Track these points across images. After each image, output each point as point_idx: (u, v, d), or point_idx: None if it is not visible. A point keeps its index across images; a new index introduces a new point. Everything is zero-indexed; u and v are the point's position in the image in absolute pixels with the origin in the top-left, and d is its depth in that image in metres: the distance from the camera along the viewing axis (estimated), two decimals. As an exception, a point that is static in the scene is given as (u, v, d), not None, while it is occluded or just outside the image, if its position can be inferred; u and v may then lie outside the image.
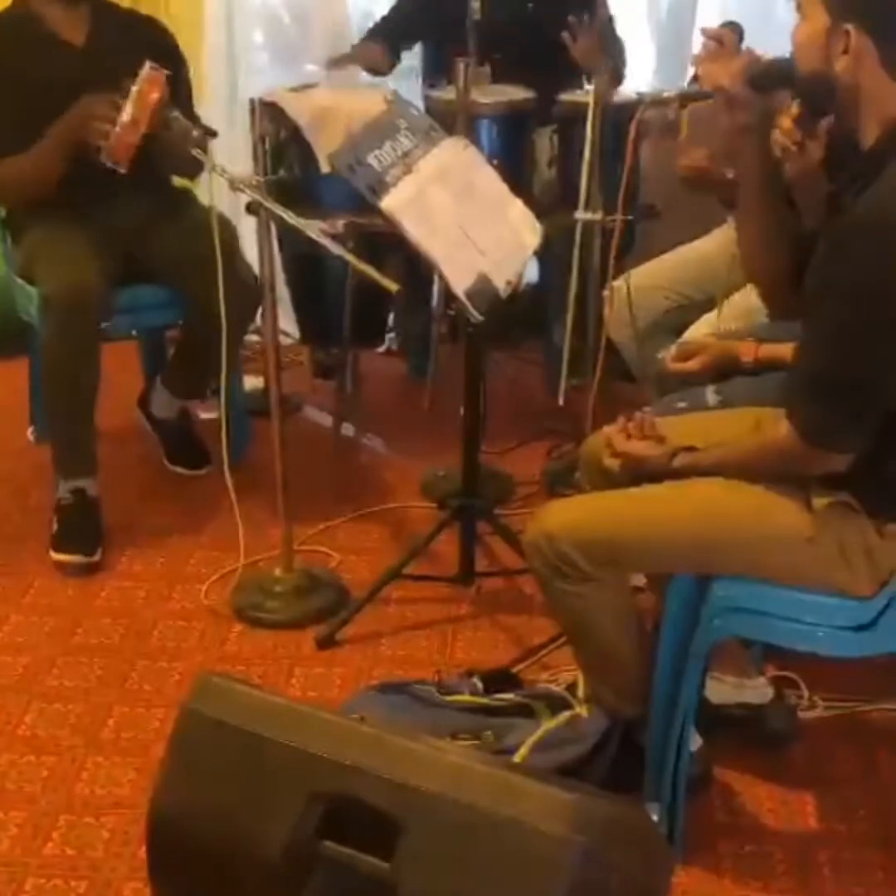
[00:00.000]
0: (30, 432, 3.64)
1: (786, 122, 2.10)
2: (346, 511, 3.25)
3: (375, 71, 3.86)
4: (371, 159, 2.38)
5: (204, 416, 3.66)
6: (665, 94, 2.89)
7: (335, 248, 2.30)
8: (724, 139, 2.16)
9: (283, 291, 3.52)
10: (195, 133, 2.66)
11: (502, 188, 2.60)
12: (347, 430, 3.71)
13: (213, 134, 2.92)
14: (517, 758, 2.20)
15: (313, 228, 2.43)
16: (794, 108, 2.10)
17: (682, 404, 2.41)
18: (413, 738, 1.82)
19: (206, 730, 1.85)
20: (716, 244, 3.05)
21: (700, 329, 2.77)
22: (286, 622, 2.78)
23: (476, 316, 2.29)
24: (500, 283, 2.40)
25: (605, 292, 3.07)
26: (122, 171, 2.78)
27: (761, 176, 2.01)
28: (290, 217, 2.40)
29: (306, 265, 3.50)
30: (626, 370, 3.38)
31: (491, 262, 2.41)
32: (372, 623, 2.77)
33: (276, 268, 3.45)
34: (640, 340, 2.97)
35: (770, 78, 1.98)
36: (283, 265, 3.61)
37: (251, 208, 3.23)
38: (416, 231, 2.28)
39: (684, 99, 2.79)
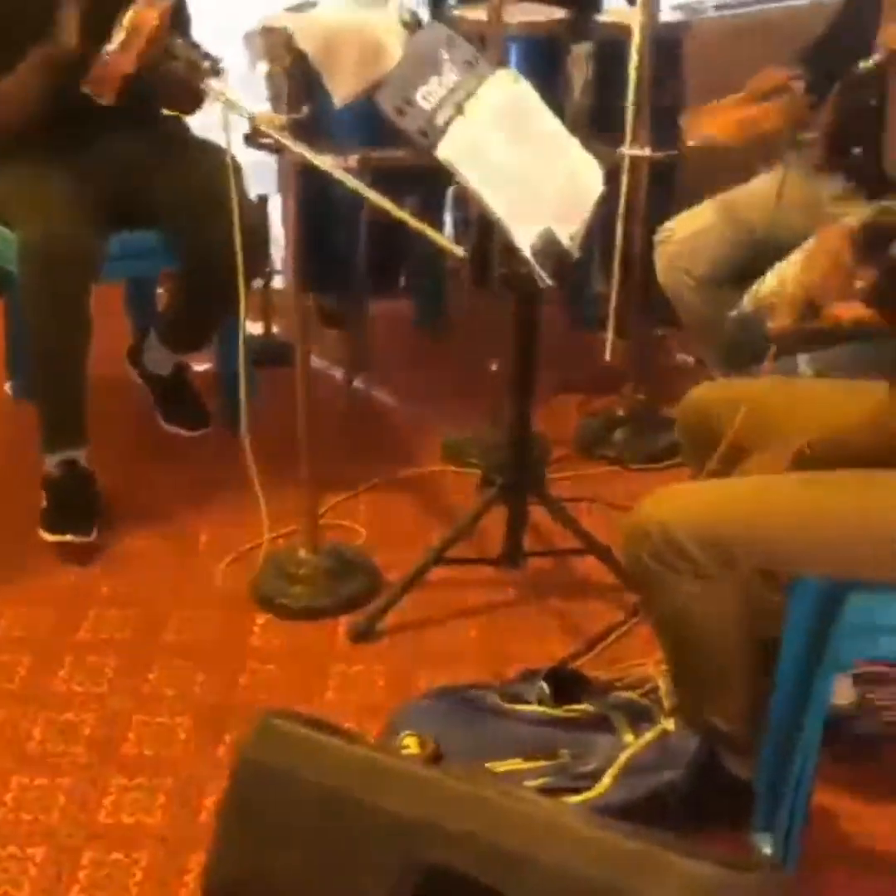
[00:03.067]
0: (8, 387, 3.33)
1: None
2: (367, 478, 2.97)
3: None
4: (419, 99, 2.07)
5: (198, 368, 3.36)
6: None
7: (388, 207, 1.99)
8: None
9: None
10: (205, 64, 2.32)
11: (558, 126, 2.30)
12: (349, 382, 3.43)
13: (218, 62, 2.58)
14: (607, 779, 1.97)
15: (346, 177, 2.11)
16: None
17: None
18: (515, 794, 1.59)
19: (271, 783, 1.60)
20: (772, 183, 2.76)
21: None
22: (316, 611, 2.52)
23: (545, 279, 2.00)
24: (566, 239, 2.11)
25: (657, 236, 2.79)
26: (105, 102, 2.45)
27: None
28: (326, 164, 2.09)
29: (312, 203, 3.17)
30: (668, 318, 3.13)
31: (554, 214, 2.12)
32: (410, 611, 2.51)
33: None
34: (700, 290, 2.70)
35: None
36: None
37: (253, 140, 2.95)
38: (477, 182, 1.98)
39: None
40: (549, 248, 2.03)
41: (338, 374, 3.42)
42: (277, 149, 3.03)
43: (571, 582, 2.60)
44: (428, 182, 3.07)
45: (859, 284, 1.82)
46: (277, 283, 3.46)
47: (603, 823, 1.55)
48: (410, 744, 2.06)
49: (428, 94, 2.10)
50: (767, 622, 1.87)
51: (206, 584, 2.62)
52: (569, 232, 2.11)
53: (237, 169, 2.77)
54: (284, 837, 1.56)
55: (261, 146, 2.97)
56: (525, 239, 2.00)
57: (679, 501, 1.81)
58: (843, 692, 2.10)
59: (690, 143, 2.83)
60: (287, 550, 2.61)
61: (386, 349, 3.57)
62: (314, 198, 3.20)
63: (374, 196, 1.99)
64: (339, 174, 2.03)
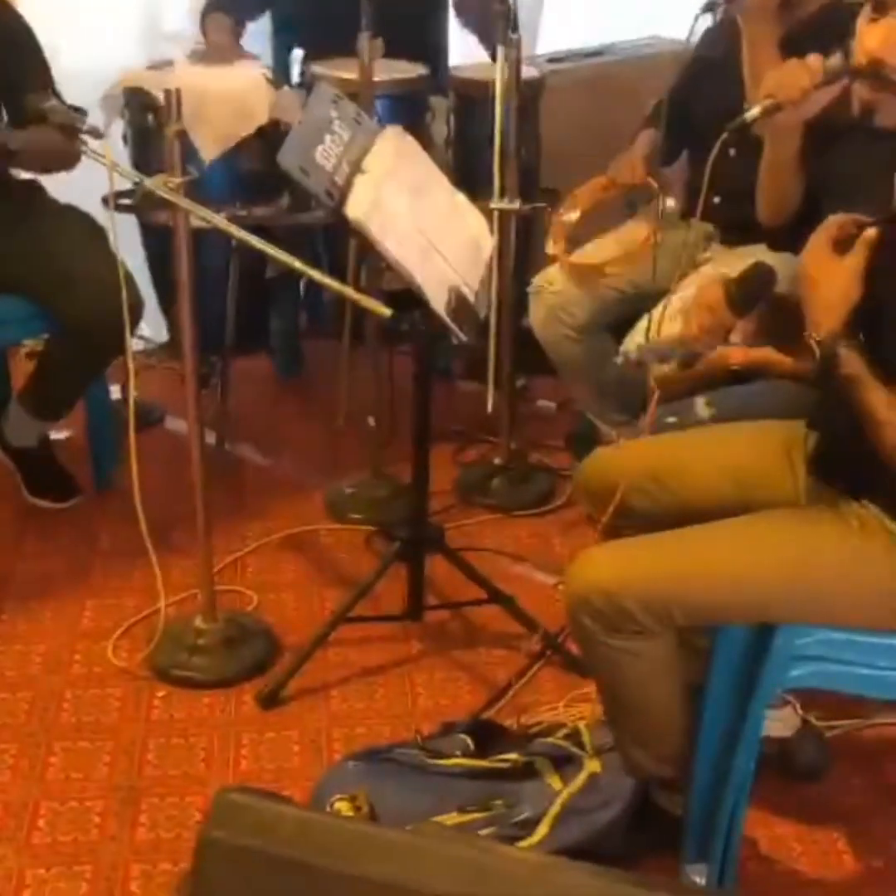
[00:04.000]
0: None
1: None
2: (249, 540, 2.93)
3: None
4: (319, 158, 2.08)
5: (55, 436, 3.25)
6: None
7: (309, 272, 1.97)
8: None
9: (147, 293, 3.16)
10: (85, 125, 2.25)
11: (445, 182, 2.34)
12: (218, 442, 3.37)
13: (84, 113, 2.51)
14: (543, 826, 1.99)
15: (253, 238, 2.09)
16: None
17: (671, 419, 2.21)
18: (493, 850, 1.58)
19: (236, 862, 1.54)
20: (638, 236, 2.85)
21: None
22: (219, 681, 2.45)
23: (461, 336, 2.02)
24: (472, 296, 2.14)
25: (532, 288, 2.85)
26: None
27: None
28: (232, 228, 2.06)
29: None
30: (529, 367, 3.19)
31: (459, 272, 2.14)
32: (315, 674, 2.47)
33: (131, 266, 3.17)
34: (579, 339, 2.77)
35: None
36: (148, 262, 3.24)
37: (126, 205, 2.89)
38: (387, 241, 1.99)
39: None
40: (461, 305, 2.05)
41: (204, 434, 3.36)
42: (138, 211, 3.03)
43: (473, 632, 2.61)
44: (295, 239, 3.07)
45: (733, 337, 1.87)
46: (135, 345, 3.39)
47: (594, 871, 1.55)
48: (342, 807, 2.04)
49: (325, 154, 2.11)
50: (694, 665, 1.92)
51: (99, 660, 2.52)
52: (472, 288, 2.14)
53: (98, 233, 2.73)
54: (257, 917, 1.52)
55: (123, 208, 2.92)
56: (438, 297, 2.01)
57: (618, 565, 1.82)
58: (785, 723, 2.16)
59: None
60: (183, 620, 2.54)
61: (249, 407, 3.53)
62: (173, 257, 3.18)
63: (286, 258, 1.97)
64: (246, 236, 2.01)
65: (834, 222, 1.72)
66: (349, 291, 1.98)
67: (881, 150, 1.86)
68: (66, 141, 2.26)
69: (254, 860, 1.53)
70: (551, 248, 2.85)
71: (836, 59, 1.89)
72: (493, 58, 2.85)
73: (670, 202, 2.77)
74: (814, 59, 1.96)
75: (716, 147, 2.11)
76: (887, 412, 1.64)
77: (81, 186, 2.73)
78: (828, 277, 1.68)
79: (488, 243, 2.30)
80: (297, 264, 1.96)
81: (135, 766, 2.26)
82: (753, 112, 2.03)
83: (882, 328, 1.70)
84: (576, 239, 2.86)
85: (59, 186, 2.91)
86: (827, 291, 1.67)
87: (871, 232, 1.68)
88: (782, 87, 1.98)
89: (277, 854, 1.52)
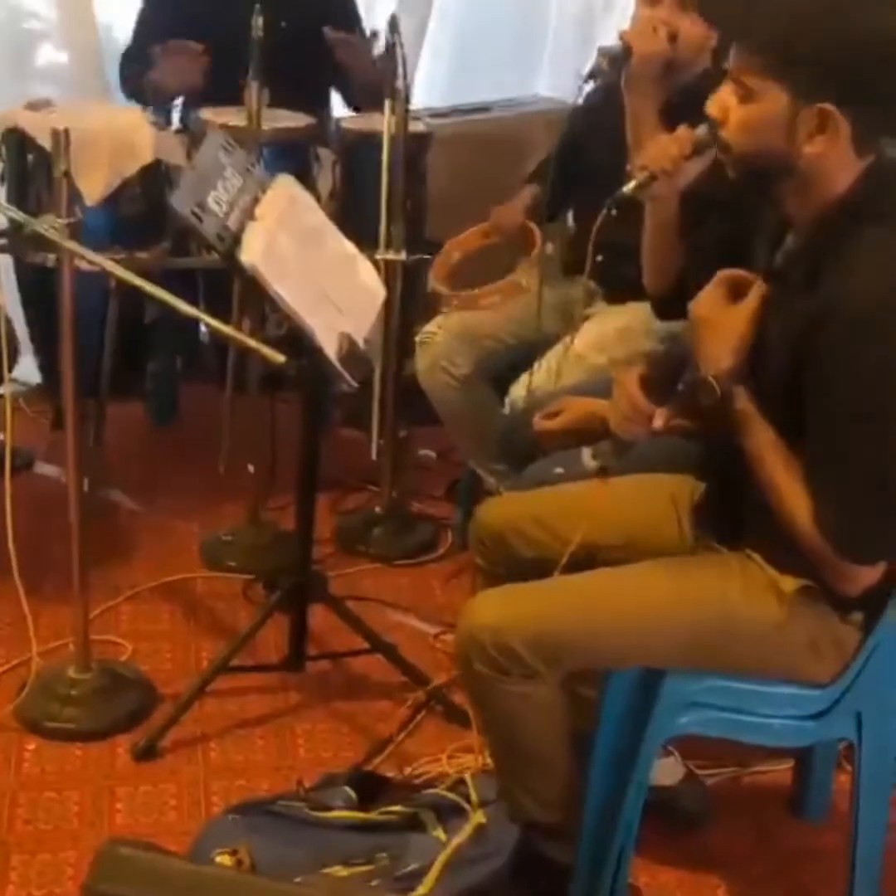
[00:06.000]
0: None
1: None
2: (123, 589, 2.86)
3: None
4: (212, 203, 2.06)
5: None
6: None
7: (203, 318, 1.95)
8: None
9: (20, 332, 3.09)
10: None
11: (336, 232, 2.34)
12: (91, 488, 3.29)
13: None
14: (430, 878, 1.96)
15: (143, 282, 2.05)
16: None
17: (558, 470, 2.23)
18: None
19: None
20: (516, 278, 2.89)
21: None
22: (93, 733, 2.38)
23: (352, 383, 2.02)
24: (362, 344, 2.14)
25: (419, 337, 2.86)
26: None
27: None
28: (127, 273, 2.02)
29: (52, 302, 3.06)
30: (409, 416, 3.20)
31: (349, 319, 2.14)
32: (192, 725, 2.42)
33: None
34: (462, 389, 2.79)
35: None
36: (22, 302, 3.16)
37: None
38: (283, 289, 1.98)
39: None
40: (352, 352, 2.05)
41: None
42: (14, 250, 2.96)
43: (354, 683, 2.58)
44: (174, 285, 3.03)
45: (656, 423, 1.88)
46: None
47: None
48: (224, 861, 1.99)
49: (217, 199, 2.10)
50: (579, 715, 1.94)
51: (-36, 712, 2.44)
52: (362, 335, 2.14)
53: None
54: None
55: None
56: (330, 344, 2.01)
57: (507, 606, 1.83)
58: (668, 772, 2.19)
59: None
60: (55, 670, 2.47)
61: (122, 451, 3.46)
62: (48, 298, 3.12)
63: (174, 302, 1.94)
64: (139, 281, 1.97)
65: (726, 275, 1.79)
66: (242, 337, 1.96)
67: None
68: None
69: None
70: (433, 282, 2.87)
71: (702, 130, 1.96)
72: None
73: (549, 247, 2.82)
74: (683, 132, 2.05)
75: (599, 218, 2.17)
76: (771, 452, 1.72)
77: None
78: (726, 319, 1.75)
79: (379, 293, 2.31)
80: (202, 315, 1.94)
81: (4, 821, 2.18)
82: (630, 186, 2.11)
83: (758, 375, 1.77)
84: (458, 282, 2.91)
85: None
86: (725, 332, 1.74)
87: (763, 286, 1.75)
88: (655, 159, 2.07)
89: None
